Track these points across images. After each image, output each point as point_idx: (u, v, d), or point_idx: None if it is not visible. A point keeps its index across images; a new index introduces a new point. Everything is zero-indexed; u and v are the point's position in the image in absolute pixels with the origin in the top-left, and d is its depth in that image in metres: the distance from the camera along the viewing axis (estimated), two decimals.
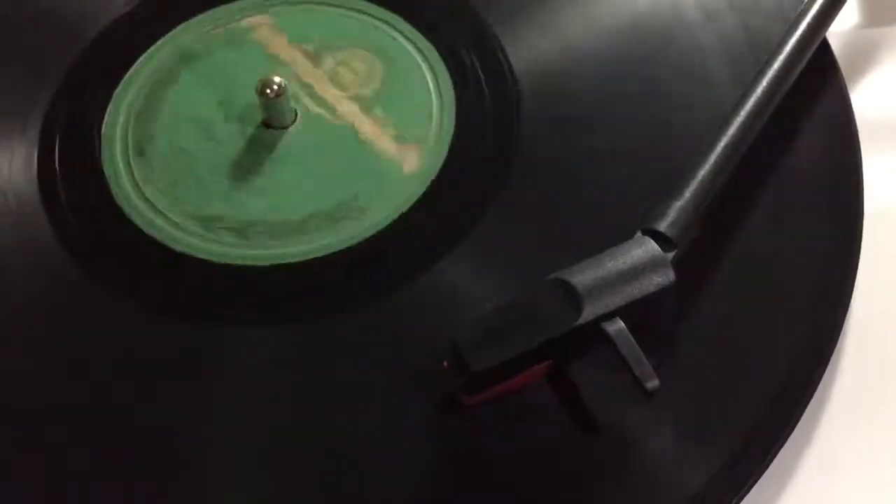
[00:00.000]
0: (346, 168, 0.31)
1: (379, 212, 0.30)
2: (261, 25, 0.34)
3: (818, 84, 0.32)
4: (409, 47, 0.33)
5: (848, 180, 0.30)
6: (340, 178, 0.31)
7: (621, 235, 0.26)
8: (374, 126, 0.32)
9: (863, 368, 0.29)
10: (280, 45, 0.34)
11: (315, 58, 0.33)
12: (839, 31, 0.35)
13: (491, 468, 0.26)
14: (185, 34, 0.34)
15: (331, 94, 0.33)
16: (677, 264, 0.26)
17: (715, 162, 0.27)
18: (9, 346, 0.28)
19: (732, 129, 0.28)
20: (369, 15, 0.34)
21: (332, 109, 0.32)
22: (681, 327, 0.27)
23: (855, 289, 0.28)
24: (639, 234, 0.26)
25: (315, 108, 0.32)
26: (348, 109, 0.32)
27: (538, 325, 0.25)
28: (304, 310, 0.29)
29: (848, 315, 0.28)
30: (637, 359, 0.24)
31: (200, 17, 0.34)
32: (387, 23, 0.34)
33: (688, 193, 0.27)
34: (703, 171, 0.27)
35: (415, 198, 0.30)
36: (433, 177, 0.31)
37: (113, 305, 0.29)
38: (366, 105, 0.32)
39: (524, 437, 0.26)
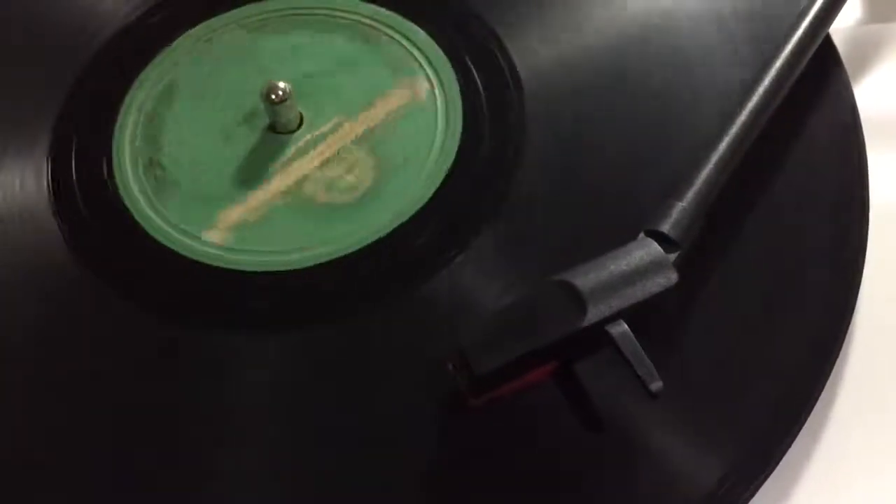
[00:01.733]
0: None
1: (385, 215, 0.30)
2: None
3: (822, 81, 0.32)
4: (412, 49, 0.33)
5: (853, 177, 0.30)
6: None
7: (628, 236, 0.26)
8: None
9: (869, 367, 0.29)
10: None
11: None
12: (842, 28, 0.35)
13: (497, 469, 0.26)
14: (189, 43, 0.34)
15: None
16: (681, 265, 0.26)
17: (717, 162, 0.27)
18: (24, 355, 0.29)
19: (735, 129, 0.28)
20: (370, 18, 0.34)
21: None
22: (688, 327, 0.28)
23: (861, 286, 0.28)
24: (642, 235, 0.26)
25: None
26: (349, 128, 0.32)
27: (542, 328, 0.25)
28: (311, 315, 0.29)
29: (854, 313, 0.28)
30: (640, 360, 0.24)
31: (203, 25, 0.35)
32: (387, 24, 0.34)
33: (690, 194, 0.27)
34: (705, 172, 0.27)
35: (421, 202, 0.30)
36: (439, 182, 0.31)
37: (127, 315, 0.29)
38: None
39: (529, 438, 0.26)
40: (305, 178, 0.31)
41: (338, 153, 0.31)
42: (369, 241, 0.30)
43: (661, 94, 0.32)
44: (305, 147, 0.32)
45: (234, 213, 0.31)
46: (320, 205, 0.31)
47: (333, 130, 0.32)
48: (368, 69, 0.33)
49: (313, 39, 0.34)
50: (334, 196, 0.31)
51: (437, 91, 0.33)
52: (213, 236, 0.30)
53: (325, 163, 0.31)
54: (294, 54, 0.34)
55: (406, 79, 0.33)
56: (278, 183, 0.31)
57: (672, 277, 0.25)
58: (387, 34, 0.34)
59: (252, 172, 0.31)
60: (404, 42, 0.34)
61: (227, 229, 0.30)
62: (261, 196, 0.31)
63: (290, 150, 0.32)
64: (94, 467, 0.27)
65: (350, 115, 0.32)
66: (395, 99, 0.32)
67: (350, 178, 0.31)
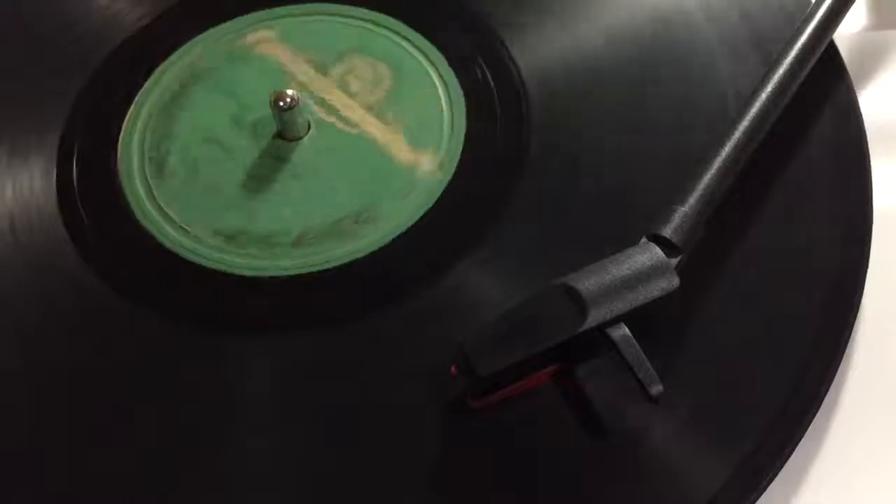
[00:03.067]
0: (360, 175, 0.32)
1: (394, 219, 0.30)
2: (265, 41, 0.35)
3: (826, 87, 0.32)
4: (417, 53, 0.34)
5: (856, 182, 0.30)
6: (355, 186, 0.31)
7: (634, 239, 0.27)
8: (387, 132, 0.32)
9: (873, 369, 0.29)
10: (286, 57, 0.34)
11: (322, 67, 0.34)
12: (846, 34, 0.35)
13: (499, 472, 0.26)
14: (194, 51, 0.35)
15: (341, 101, 0.33)
16: (682, 269, 0.26)
17: (720, 167, 0.27)
18: (30, 357, 0.29)
19: (738, 134, 0.28)
20: (372, 22, 0.35)
21: (344, 118, 0.33)
22: (690, 331, 0.28)
23: (864, 290, 0.28)
24: (644, 239, 0.27)
25: (327, 118, 0.33)
26: (360, 117, 0.33)
27: (544, 330, 0.25)
28: (315, 318, 0.29)
29: (858, 316, 0.28)
30: (641, 364, 0.25)
31: (207, 33, 0.35)
32: (390, 29, 0.34)
33: (692, 199, 0.27)
34: (708, 176, 0.27)
35: (428, 206, 0.30)
36: (445, 185, 0.31)
37: (134, 318, 0.29)
38: (378, 111, 0.33)
39: (532, 440, 0.26)
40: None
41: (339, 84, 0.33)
42: (374, 247, 0.30)
43: (664, 98, 0.32)
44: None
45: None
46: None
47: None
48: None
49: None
50: (382, 86, 0.32)
51: (441, 94, 0.33)
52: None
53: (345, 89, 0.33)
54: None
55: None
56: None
57: (673, 282, 0.25)
58: (391, 39, 0.34)
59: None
60: (406, 45, 0.34)
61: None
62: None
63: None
64: (95, 470, 0.27)
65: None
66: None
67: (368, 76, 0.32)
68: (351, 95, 0.33)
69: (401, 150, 0.32)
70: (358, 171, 0.32)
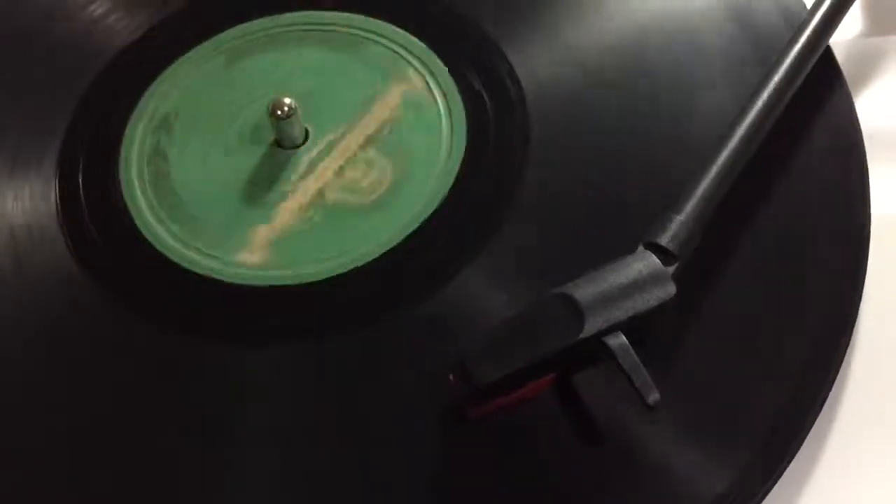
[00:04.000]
0: None
1: (391, 229, 0.30)
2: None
3: (823, 93, 0.32)
4: (418, 65, 0.34)
5: (854, 189, 0.30)
6: None
7: (631, 247, 0.27)
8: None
9: (873, 374, 0.29)
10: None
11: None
12: (843, 41, 0.35)
13: (498, 480, 0.26)
14: (197, 57, 0.35)
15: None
16: (679, 277, 0.26)
17: (716, 175, 0.27)
18: (31, 368, 0.29)
19: (734, 142, 0.28)
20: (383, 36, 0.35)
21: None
22: (688, 339, 0.28)
23: (862, 297, 0.28)
24: (640, 248, 0.27)
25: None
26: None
27: (541, 339, 0.25)
28: (320, 327, 0.29)
29: (856, 324, 0.28)
30: (638, 373, 0.25)
31: (211, 40, 0.35)
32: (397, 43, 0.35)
33: (689, 207, 0.27)
34: (704, 185, 0.27)
35: (426, 215, 0.30)
36: (444, 194, 0.31)
37: (135, 329, 0.29)
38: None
39: (530, 449, 0.26)
40: (326, 186, 0.31)
41: (351, 158, 0.32)
42: (374, 256, 0.30)
43: (662, 106, 0.32)
44: (318, 157, 0.32)
45: (264, 232, 0.31)
46: (349, 208, 0.31)
47: (340, 138, 0.32)
48: (360, 75, 0.34)
49: (301, 54, 0.34)
50: (360, 197, 0.31)
51: (434, 88, 0.33)
52: (249, 257, 0.30)
53: (341, 169, 0.32)
54: (285, 70, 0.34)
55: (397, 78, 0.33)
56: (300, 196, 0.31)
57: (670, 290, 0.25)
58: (380, 43, 0.34)
59: (267, 189, 0.32)
60: (402, 52, 0.34)
61: (261, 248, 0.30)
62: (287, 210, 0.31)
63: (304, 163, 0.32)
64: (99, 478, 0.27)
65: (352, 121, 0.33)
66: (394, 96, 0.33)
67: (372, 177, 0.31)
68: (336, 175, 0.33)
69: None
70: None
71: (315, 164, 0.32)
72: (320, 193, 0.31)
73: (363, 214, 0.31)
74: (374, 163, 0.32)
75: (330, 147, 0.32)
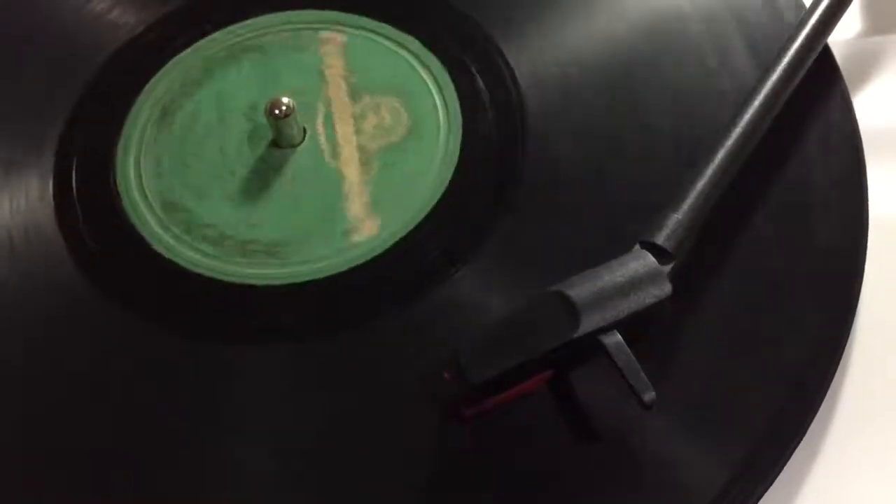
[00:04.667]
0: (308, 206, 0.32)
1: (389, 227, 0.30)
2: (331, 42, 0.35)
3: (821, 93, 0.32)
4: (423, 72, 0.34)
5: (852, 188, 0.30)
6: (294, 215, 0.31)
7: (628, 246, 0.27)
8: (359, 180, 0.32)
9: (871, 372, 0.29)
10: (338, 67, 0.34)
11: (356, 93, 0.33)
12: (841, 41, 0.35)
13: (494, 479, 0.26)
14: (196, 55, 0.35)
15: (345, 132, 0.33)
16: (677, 275, 0.26)
17: (713, 174, 0.27)
18: (31, 370, 0.29)
19: (731, 141, 0.28)
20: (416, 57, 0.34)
21: (334, 149, 0.33)
22: (686, 337, 0.28)
23: (861, 296, 0.28)
24: (637, 247, 0.27)
25: (323, 141, 0.33)
26: (348, 154, 0.32)
27: (536, 337, 0.25)
28: (315, 326, 0.29)
29: (854, 323, 0.28)
30: (634, 371, 0.25)
31: (208, 38, 0.35)
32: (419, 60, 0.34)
33: (685, 206, 0.27)
34: (701, 183, 0.27)
35: (423, 214, 0.31)
36: (441, 192, 0.31)
37: (132, 328, 0.29)
38: (367, 158, 0.32)
39: (526, 447, 0.26)
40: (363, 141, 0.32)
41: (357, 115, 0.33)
42: (369, 256, 0.30)
43: (660, 104, 0.32)
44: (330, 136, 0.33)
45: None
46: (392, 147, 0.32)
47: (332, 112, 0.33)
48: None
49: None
50: (390, 137, 0.32)
51: (431, 86, 0.33)
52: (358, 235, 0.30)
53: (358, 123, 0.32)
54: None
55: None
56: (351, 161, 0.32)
57: (666, 288, 0.26)
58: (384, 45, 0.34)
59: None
60: (401, 51, 0.34)
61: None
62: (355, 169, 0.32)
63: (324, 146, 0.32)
64: (100, 478, 0.27)
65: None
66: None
67: (387, 118, 0.32)
68: (357, 131, 0.33)
69: (358, 207, 0.31)
70: (309, 201, 0.31)
71: (333, 140, 0.32)
72: (362, 149, 0.32)
73: (404, 147, 0.32)
74: (380, 106, 0.32)
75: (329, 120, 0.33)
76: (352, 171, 0.32)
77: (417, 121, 0.33)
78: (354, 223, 0.31)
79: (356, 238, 0.30)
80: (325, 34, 0.35)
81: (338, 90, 0.33)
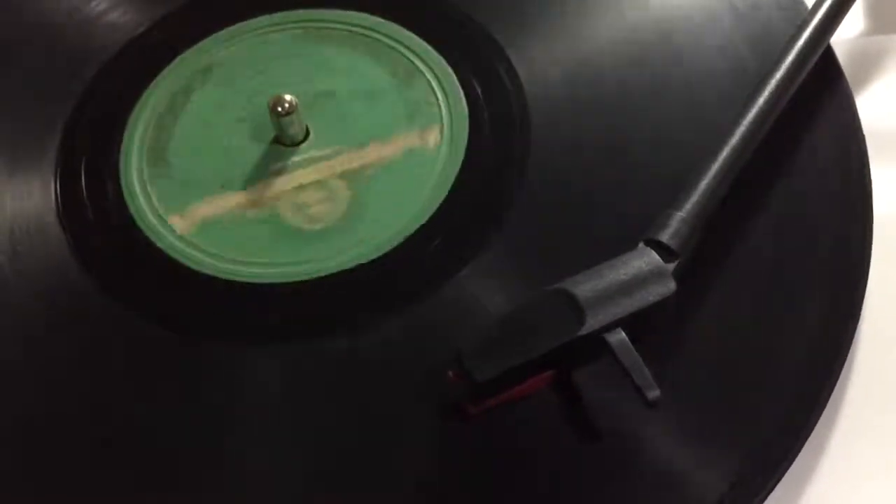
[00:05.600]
0: None
1: (391, 228, 0.30)
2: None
3: (824, 92, 0.32)
4: (420, 63, 0.34)
5: (855, 188, 0.30)
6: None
7: (632, 244, 0.27)
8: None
9: (875, 373, 0.29)
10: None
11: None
12: (844, 40, 0.35)
13: (498, 477, 0.26)
14: (200, 54, 0.35)
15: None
16: (682, 273, 0.26)
17: (717, 173, 0.28)
18: (33, 368, 0.29)
19: (735, 140, 0.28)
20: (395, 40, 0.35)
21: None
22: (693, 334, 0.28)
23: (865, 296, 0.28)
24: (641, 244, 0.27)
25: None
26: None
27: (541, 336, 0.25)
28: (315, 327, 0.29)
29: (859, 323, 0.28)
30: (638, 369, 0.25)
31: (213, 37, 0.35)
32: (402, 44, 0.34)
33: (689, 204, 0.27)
34: (704, 182, 0.27)
35: (427, 214, 0.30)
36: (446, 193, 0.31)
37: (136, 327, 0.29)
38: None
39: (530, 446, 0.26)
40: (282, 194, 0.31)
41: (321, 181, 0.32)
42: (375, 255, 0.30)
43: (664, 104, 0.32)
44: (300, 163, 0.32)
45: (203, 209, 0.31)
46: (288, 225, 0.31)
47: (331, 157, 0.32)
48: (388, 104, 0.33)
49: (338, 56, 0.34)
50: (300, 221, 0.31)
51: (435, 88, 0.33)
52: (177, 223, 0.31)
53: (303, 187, 0.32)
54: (317, 70, 0.34)
55: (418, 126, 0.33)
56: (257, 192, 0.31)
57: (670, 286, 0.26)
58: (397, 51, 0.34)
59: (239, 177, 0.32)
60: (410, 55, 0.34)
61: (192, 221, 0.31)
62: (233, 200, 0.31)
63: (279, 165, 0.32)
64: (100, 478, 0.27)
65: (352, 146, 0.32)
66: (403, 141, 0.33)
67: (319, 209, 0.31)
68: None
69: None
70: None
71: (292, 169, 0.32)
72: (275, 198, 0.31)
73: (302, 236, 0.31)
74: (335, 197, 0.31)
75: (317, 160, 0.32)
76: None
77: (419, 115, 0.33)
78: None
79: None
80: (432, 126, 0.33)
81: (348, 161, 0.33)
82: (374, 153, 0.32)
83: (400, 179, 0.31)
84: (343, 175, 0.32)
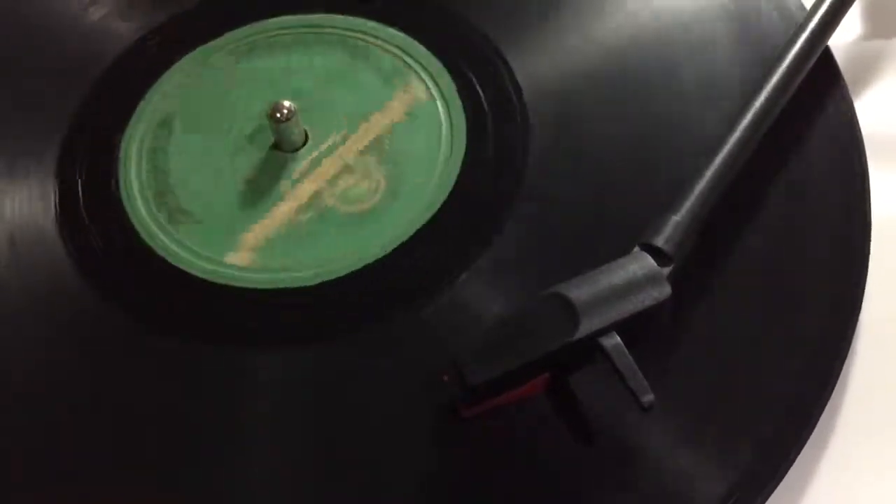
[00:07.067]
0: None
1: (389, 235, 0.30)
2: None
3: (822, 96, 0.32)
4: (418, 68, 0.34)
5: (854, 192, 0.30)
6: None
7: (628, 249, 0.27)
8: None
9: (874, 376, 0.29)
10: None
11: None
12: (842, 44, 0.35)
13: (491, 482, 0.26)
14: (198, 59, 0.35)
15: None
16: (676, 277, 0.26)
17: (713, 177, 0.27)
18: (32, 373, 0.29)
19: (731, 143, 0.28)
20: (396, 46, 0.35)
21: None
22: (690, 338, 0.28)
23: (864, 300, 0.28)
24: (636, 249, 0.27)
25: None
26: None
27: (536, 339, 0.25)
28: (318, 330, 0.29)
29: (858, 324, 0.28)
30: (633, 373, 0.25)
31: (211, 43, 0.35)
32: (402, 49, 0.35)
33: (685, 209, 0.27)
34: (700, 186, 0.27)
35: (426, 218, 0.31)
36: (444, 197, 0.31)
37: (134, 331, 0.29)
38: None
39: (524, 450, 0.26)
40: (320, 192, 0.32)
41: (348, 165, 0.32)
42: (374, 259, 0.30)
43: (662, 109, 0.32)
44: (316, 161, 0.32)
45: (255, 234, 0.31)
46: (343, 215, 0.31)
47: (341, 143, 0.32)
48: (363, 81, 0.34)
49: (303, 58, 0.34)
50: (352, 206, 0.31)
51: (435, 95, 0.33)
52: (238, 259, 0.30)
53: (336, 176, 0.32)
54: (285, 74, 0.34)
55: (401, 85, 0.33)
56: (292, 201, 0.32)
57: (665, 290, 0.25)
58: (382, 47, 0.34)
59: (265, 191, 0.32)
60: (401, 54, 0.34)
61: (250, 250, 0.31)
62: (279, 213, 0.31)
63: (301, 166, 0.32)
64: (101, 479, 0.27)
65: (352, 127, 0.33)
66: (397, 104, 0.33)
67: (364, 185, 0.31)
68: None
69: None
70: None
71: (313, 168, 0.32)
72: (317, 196, 0.32)
73: (354, 223, 0.31)
74: (370, 173, 0.32)
75: (330, 151, 0.32)
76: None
77: (418, 115, 0.33)
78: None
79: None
80: (415, 82, 0.34)
81: (361, 139, 0.33)
82: (377, 124, 0.33)
83: (415, 137, 0.32)
84: (364, 151, 0.32)
